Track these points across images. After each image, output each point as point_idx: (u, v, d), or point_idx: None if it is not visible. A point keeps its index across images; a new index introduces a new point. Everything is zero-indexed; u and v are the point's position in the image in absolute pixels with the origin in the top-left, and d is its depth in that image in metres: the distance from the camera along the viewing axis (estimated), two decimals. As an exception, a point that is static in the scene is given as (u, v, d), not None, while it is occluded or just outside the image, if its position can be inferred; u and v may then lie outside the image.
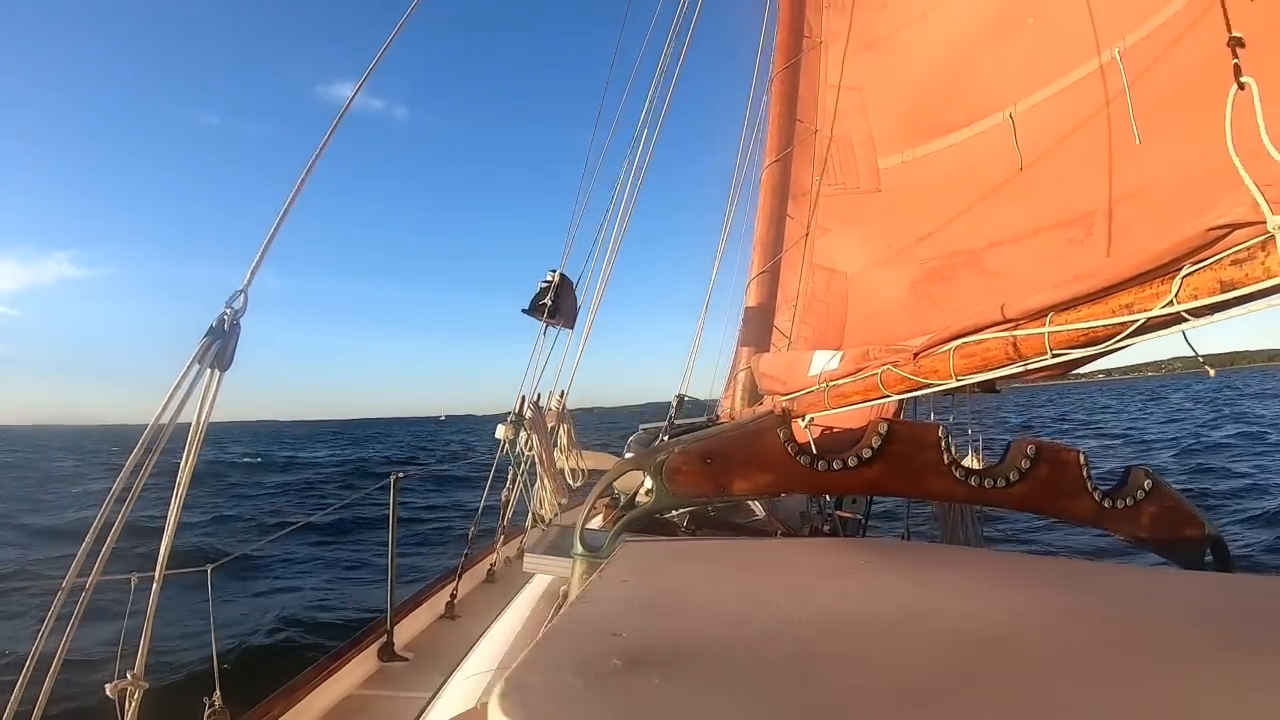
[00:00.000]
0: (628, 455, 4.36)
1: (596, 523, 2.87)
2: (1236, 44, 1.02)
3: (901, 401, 3.06)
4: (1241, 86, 0.97)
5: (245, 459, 35.61)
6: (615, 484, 2.10)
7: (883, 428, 1.63)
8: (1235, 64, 0.99)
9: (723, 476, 1.58)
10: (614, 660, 0.77)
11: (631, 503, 1.87)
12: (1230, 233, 0.95)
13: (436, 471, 21.52)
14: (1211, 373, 1.34)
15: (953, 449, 1.69)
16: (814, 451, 1.65)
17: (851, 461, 1.62)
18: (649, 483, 1.96)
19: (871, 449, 1.60)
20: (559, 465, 4.99)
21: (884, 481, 1.61)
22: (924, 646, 0.87)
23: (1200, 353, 1.12)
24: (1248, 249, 0.92)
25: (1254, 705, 0.79)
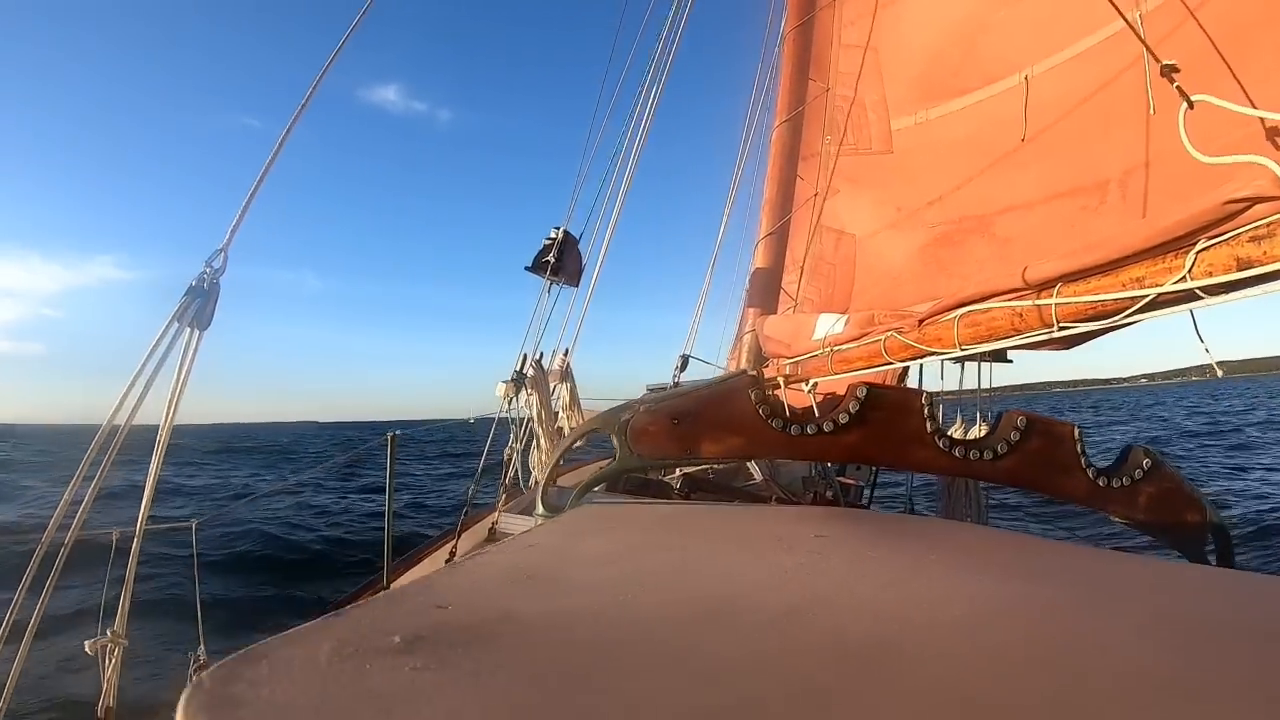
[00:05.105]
0: None
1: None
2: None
3: (906, 369, 3.04)
4: None
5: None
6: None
7: (861, 391, 1.56)
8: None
9: (690, 438, 1.53)
10: (396, 637, 0.67)
11: None
12: (1249, 207, 0.91)
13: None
14: (1219, 372, 1.31)
15: (939, 417, 1.64)
16: (787, 415, 1.61)
17: (827, 426, 1.55)
18: None
19: (849, 414, 1.54)
20: (560, 424, 5.00)
21: (863, 449, 1.54)
22: (793, 644, 0.73)
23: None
24: (1268, 225, 0.89)
25: None
